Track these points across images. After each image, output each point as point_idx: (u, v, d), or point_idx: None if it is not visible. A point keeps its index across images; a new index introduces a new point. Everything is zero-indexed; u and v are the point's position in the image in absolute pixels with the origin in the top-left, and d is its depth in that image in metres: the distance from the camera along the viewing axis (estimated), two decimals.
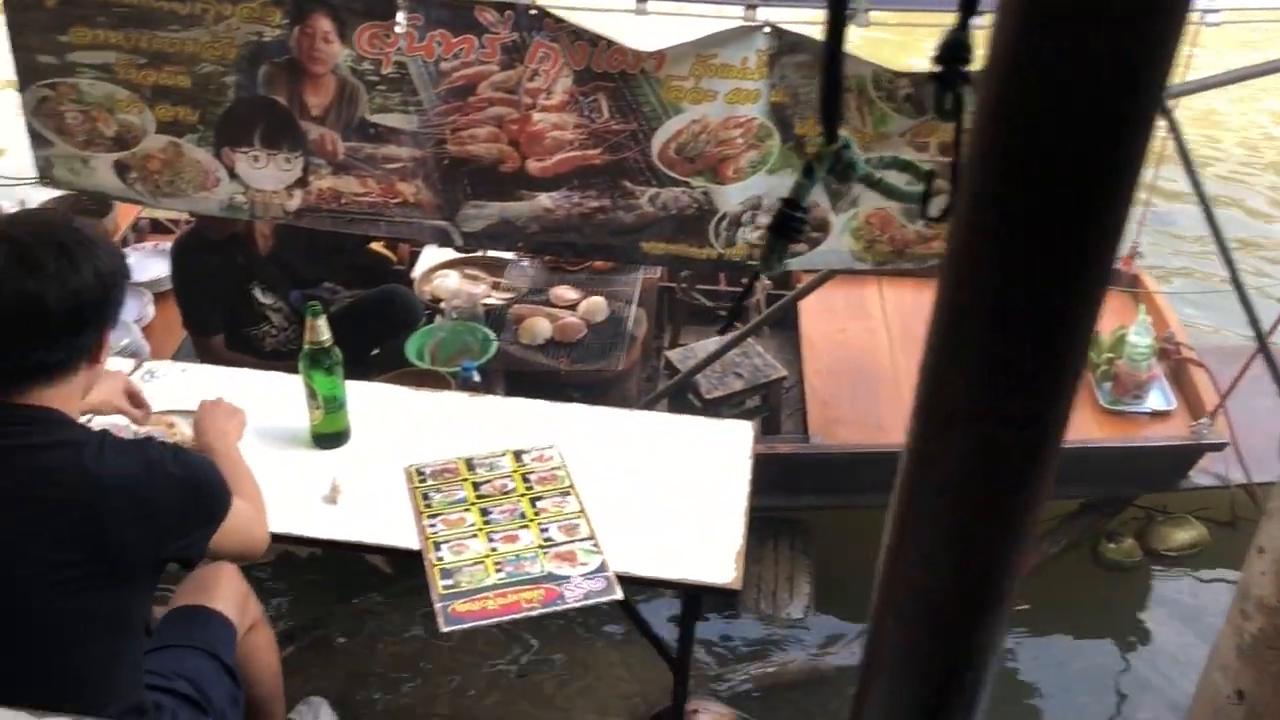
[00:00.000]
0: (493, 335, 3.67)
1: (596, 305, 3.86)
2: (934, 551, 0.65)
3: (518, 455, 2.50)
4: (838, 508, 3.65)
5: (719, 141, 2.84)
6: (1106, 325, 4.05)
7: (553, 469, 2.46)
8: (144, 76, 2.89)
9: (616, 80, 2.80)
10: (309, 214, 3.04)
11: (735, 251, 3.00)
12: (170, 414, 2.47)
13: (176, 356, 3.61)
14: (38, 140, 3.02)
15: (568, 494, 2.38)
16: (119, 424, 2.29)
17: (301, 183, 3.00)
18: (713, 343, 3.90)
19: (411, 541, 2.25)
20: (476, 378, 3.27)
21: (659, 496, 2.39)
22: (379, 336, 3.90)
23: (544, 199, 2.95)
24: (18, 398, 1.68)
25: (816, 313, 4.13)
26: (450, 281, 4.06)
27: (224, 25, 2.81)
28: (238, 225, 3.25)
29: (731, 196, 2.92)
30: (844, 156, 1.08)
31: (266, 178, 3.00)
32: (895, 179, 1.26)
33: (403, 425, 2.59)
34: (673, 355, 3.91)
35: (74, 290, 1.62)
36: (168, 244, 4.31)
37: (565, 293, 3.95)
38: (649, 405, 3.67)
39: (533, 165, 2.91)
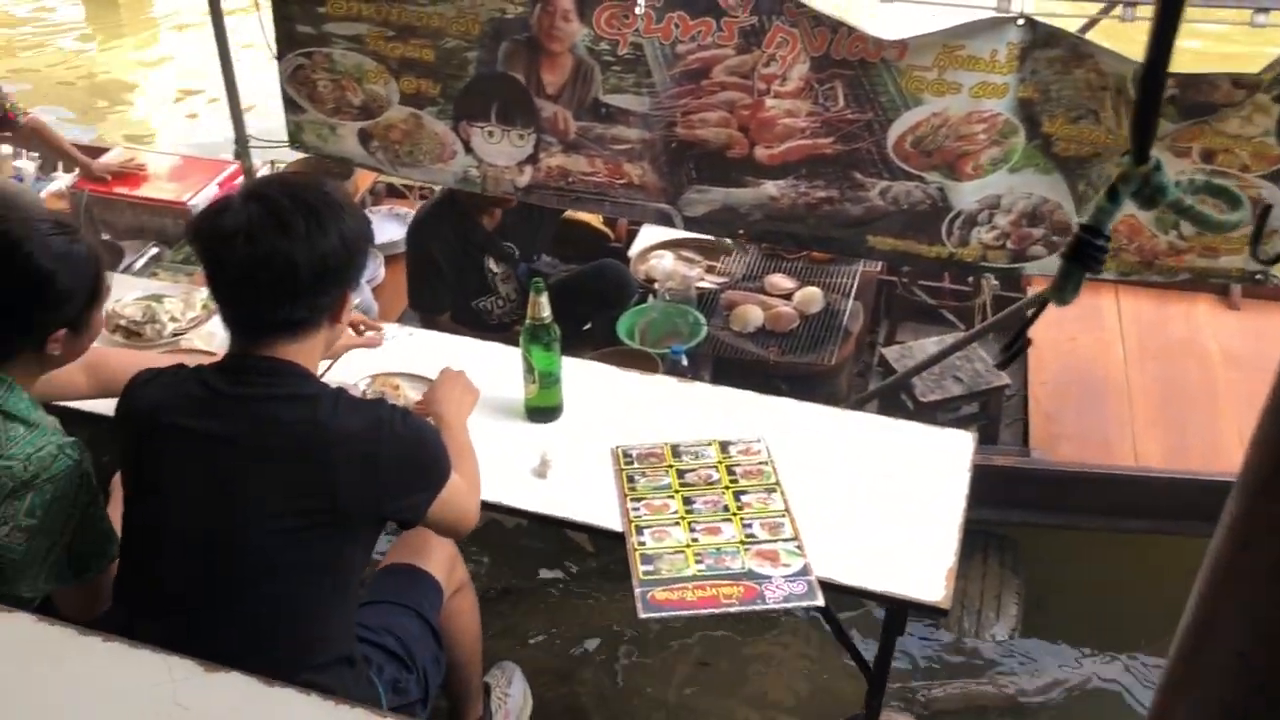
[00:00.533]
0: (703, 319, 3.65)
1: (812, 296, 3.77)
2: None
3: (724, 446, 2.46)
4: (1054, 527, 3.45)
5: (959, 136, 2.71)
6: None
7: (759, 463, 2.41)
8: (391, 49, 2.98)
9: (855, 68, 2.71)
10: (537, 190, 3.08)
11: (968, 252, 2.86)
12: (396, 376, 2.56)
13: (403, 319, 3.74)
14: (290, 106, 3.17)
15: (773, 490, 2.33)
16: (349, 383, 2.38)
17: (532, 159, 3.04)
18: (932, 343, 3.76)
19: (614, 523, 2.25)
20: (684, 361, 3.25)
21: (868, 502, 2.31)
22: (591, 310, 3.93)
23: (770, 186, 2.89)
24: (263, 350, 1.75)
25: (1045, 319, 3.85)
26: (665, 262, 4.05)
27: (469, 1, 2.86)
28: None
29: (968, 194, 2.78)
30: (1153, 180, 0.97)
31: (500, 153, 3.05)
32: (1207, 206, 1.13)
33: (612, 405, 2.60)
34: (889, 353, 3.79)
35: (321, 252, 1.68)
36: (402, 208, 4.50)
37: (781, 281, 3.88)
38: (860, 403, 3.56)
39: (761, 152, 2.85)
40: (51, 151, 4.45)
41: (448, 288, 3.43)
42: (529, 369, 2.48)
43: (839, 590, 2.13)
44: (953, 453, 2.45)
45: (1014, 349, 3.33)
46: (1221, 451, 3.32)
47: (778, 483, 2.35)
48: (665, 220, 3.05)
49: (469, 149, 3.07)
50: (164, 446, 1.77)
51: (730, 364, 3.63)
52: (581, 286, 3.81)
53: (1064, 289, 1.09)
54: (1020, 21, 2.55)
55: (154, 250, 4.19)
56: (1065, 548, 3.55)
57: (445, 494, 1.87)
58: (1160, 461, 3.37)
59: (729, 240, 4.04)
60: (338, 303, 1.79)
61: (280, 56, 3.09)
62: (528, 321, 2.42)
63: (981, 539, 3.53)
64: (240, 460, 1.73)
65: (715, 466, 2.40)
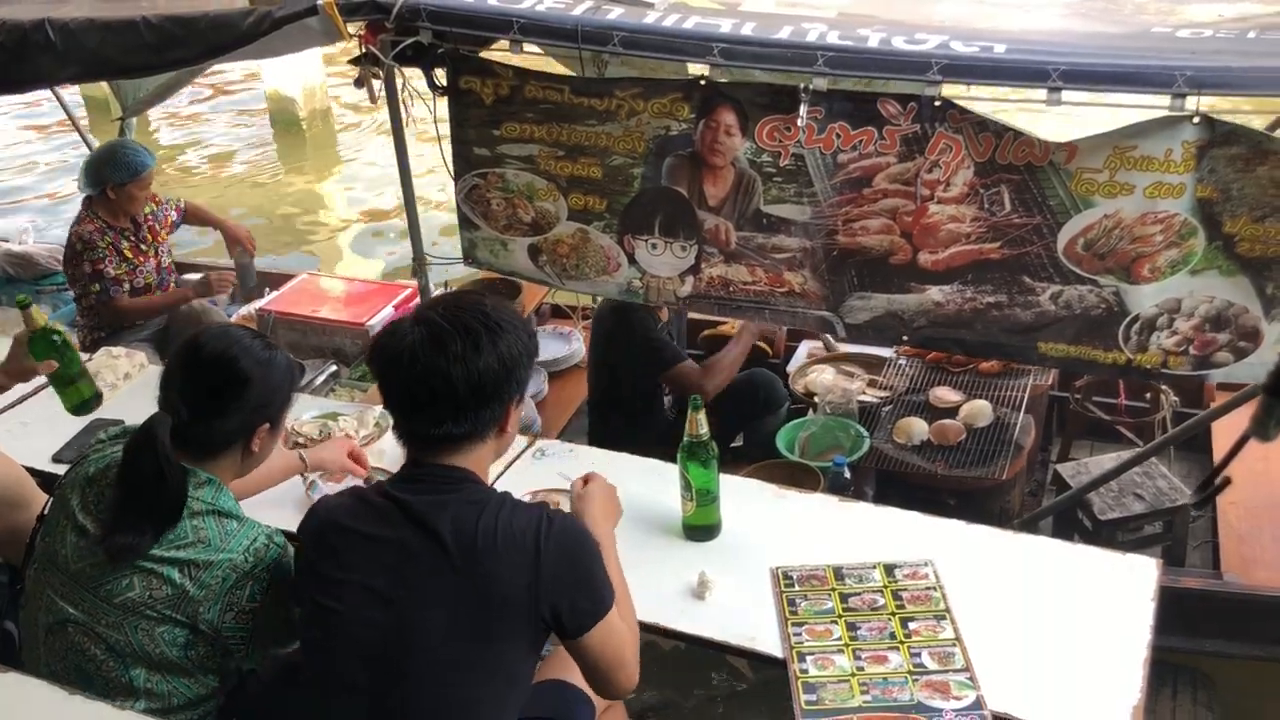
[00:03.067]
0: (865, 433, 3.58)
1: (980, 409, 3.67)
2: None
3: (889, 570, 2.38)
4: (1252, 659, 3.19)
5: (1134, 238, 2.64)
6: None
7: (927, 588, 2.32)
8: (561, 167, 3.11)
9: (1022, 172, 2.68)
10: (698, 300, 3.13)
11: (1147, 358, 2.75)
12: (556, 492, 2.58)
13: (563, 435, 3.81)
14: (465, 223, 3.32)
15: (943, 618, 2.23)
16: None
17: (694, 270, 3.10)
18: (1109, 459, 3.60)
19: (775, 648, 2.18)
20: (847, 474, 3.19)
21: (1045, 631, 2.18)
22: (742, 420, 3.93)
23: (934, 292, 2.85)
24: (435, 458, 1.86)
25: (1232, 435, 3.69)
26: (825, 377, 4.02)
27: (635, 120, 2.97)
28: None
29: (1146, 298, 2.69)
30: None
31: (663, 264, 3.12)
32: None
33: (771, 523, 2.56)
34: (1064, 469, 3.64)
35: (476, 370, 1.77)
36: (565, 328, 4.62)
37: (946, 394, 3.79)
38: (1033, 521, 3.42)
39: (925, 258, 2.83)
40: (211, 225, 4.82)
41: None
42: (686, 486, 2.46)
43: None
44: (1135, 581, 2.31)
45: (1213, 487, 3.18)
46: None
47: (947, 609, 2.25)
48: (826, 327, 3.04)
49: (633, 261, 3.14)
50: (341, 551, 1.85)
51: (894, 477, 3.55)
52: (731, 395, 3.81)
53: (1267, 424, 1.02)
54: (1196, 120, 2.49)
55: (332, 368, 4.39)
56: (1264, 682, 3.27)
57: (609, 621, 1.86)
58: None
59: (891, 354, 4.00)
60: (502, 416, 1.87)
61: (457, 177, 3.25)
62: (686, 438, 2.41)
63: (1170, 672, 3.28)
64: (410, 561, 1.79)
65: (880, 591, 2.32)
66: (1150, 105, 2.52)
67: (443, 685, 1.78)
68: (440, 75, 3.15)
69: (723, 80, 2.86)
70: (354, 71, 3.16)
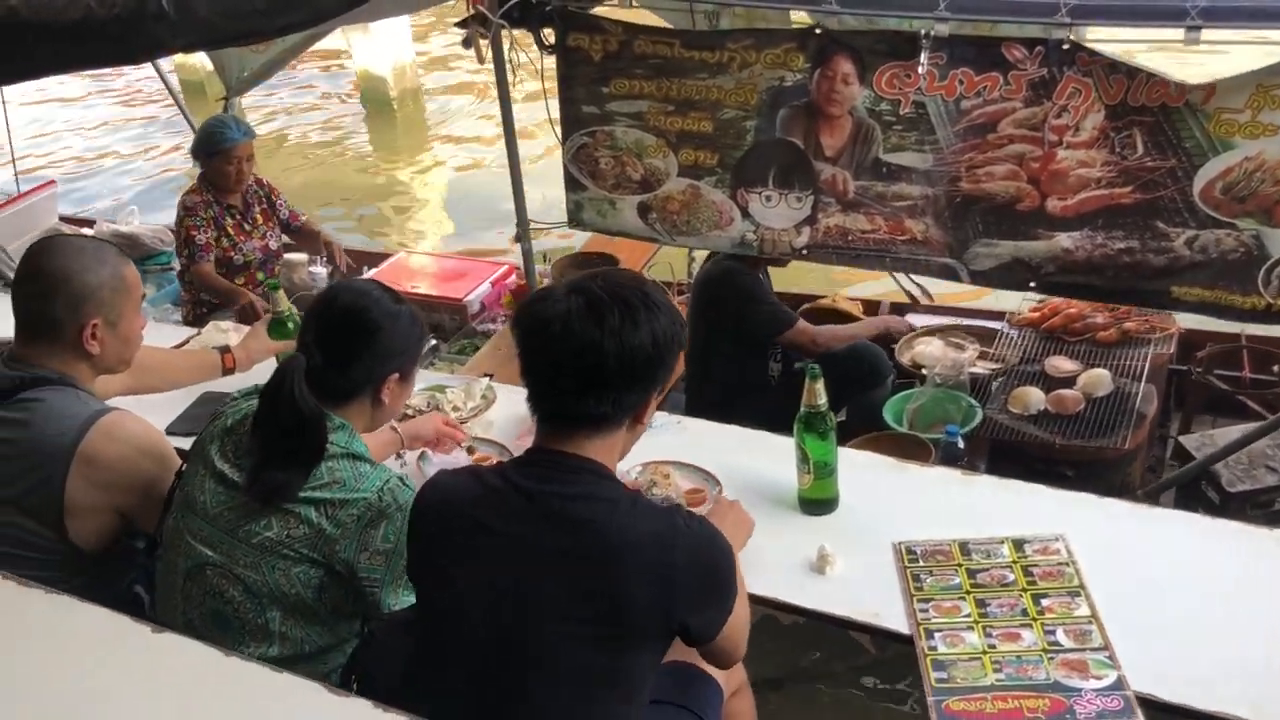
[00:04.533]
0: (977, 404, 3.48)
1: (1099, 378, 3.54)
2: None
3: (1018, 545, 2.28)
4: None
5: (1276, 180, 2.53)
6: None
7: (1059, 564, 2.21)
8: (671, 123, 3.08)
9: (1155, 114, 2.59)
10: (815, 250, 3.08)
11: None
12: (666, 464, 2.52)
13: (668, 407, 3.77)
14: (572, 184, 3.31)
15: (1077, 594, 2.13)
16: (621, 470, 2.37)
17: (810, 220, 3.05)
18: (1235, 431, 3.45)
19: (900, 624, 2.09)
20: (961, 444, 3.10)
21: (1184, 609, 2.05)
22: (847, 393, 3.85)
23: (1063, 239, 2.77)
24: (565, 445, 1.72)
25: None
26: (933, 349, 3.92)
27: (748, 72, 2.93)
28: None
29: None
30: None
31: (777, 216, 3.07)
32: None
33: (888, 497, 2.45)
34: (1187, 441, 3.50)
35: (630, 347, 1.65)
36: None
37: (1063, 364, 3.67)
38: (1156, 492, 3.30)
39: (1053, 204, 2.75)
40: (322, 247, 4.87)
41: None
42: (804, 458, 2.37)
43: (1161, 709, 1.87)
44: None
45: None
46: None
47: (1081, 585, 2.14)
48: (950, 274, 2.97)
49: (746, 214, 3.10)
50: (460, 538, 1.75)
51: (1009, 448, 3.44)
52: (834, 368, 3.73)
53: None
54: None
55: (431, 342, 4.40)
56: None
57: (732, 618, 1.77)
58: None
59: (1003, 325, 3.90)
60: (642, 403, 1.75)
61: (565, 138, 3.24)
62: (803, 409, 2.33)
63: None
64: (531, 559, 1.68)
65: (1009, 567, 2.22)
66: None
67: (557, 692, 1.67)
68: (548, 34, 3.13)
69: (839, 29, 2.81)
70: (459, 34, 3.15)
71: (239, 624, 1.96)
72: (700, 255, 4.31)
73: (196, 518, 1.99)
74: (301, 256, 5.23)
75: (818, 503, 2.42)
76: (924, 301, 4.16)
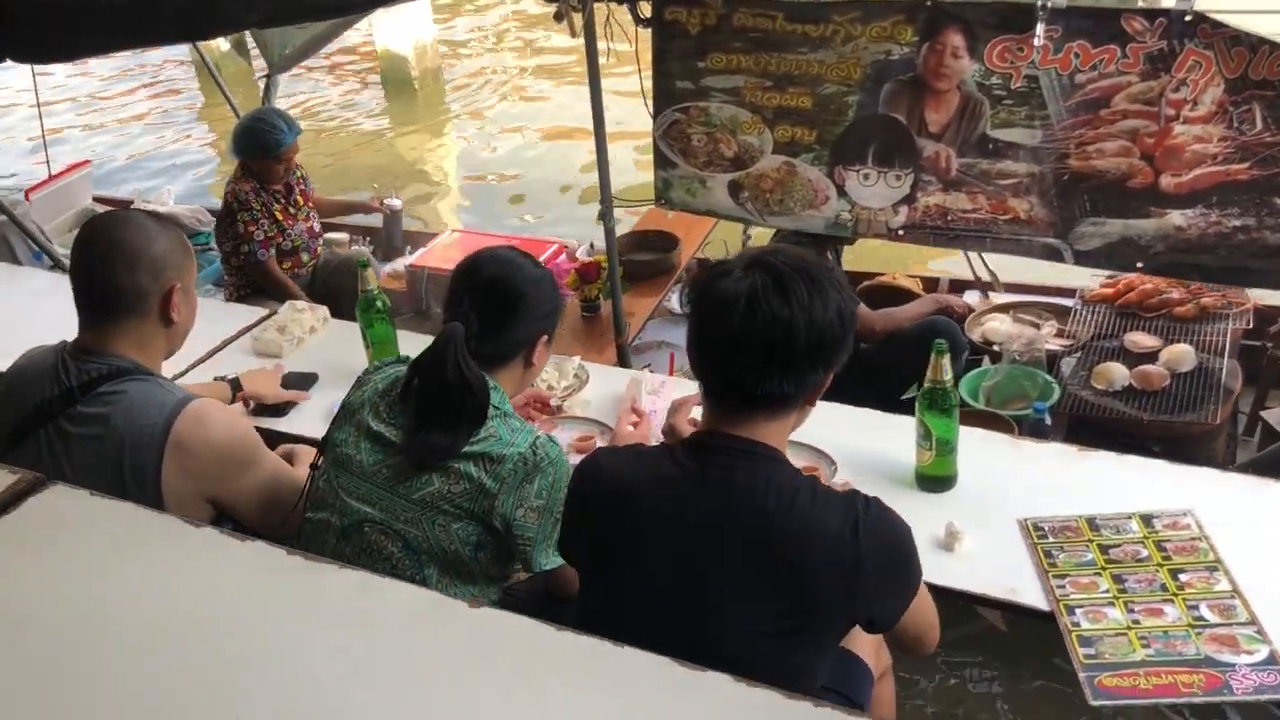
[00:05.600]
0: (1054, 381, 3.47)
1: (1182, 353, 3.53)
2: None
3: (1146, 520, 2.27)
4: None
5: None
6: None
7: (1191, 539, 2.20)
8: (768, 99, 3.04)
9: (1277, 88, 2.56)
10: (913, 230, 3.04)
11: None
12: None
13: None
14: (662, 162, 3.27)
15: (1214, 569, 2.11)
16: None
17: (909, 199, 3.01)
18: None
19: (1038, 600, 2.07)
20: (1048, 420, 3.09)
21: None
22: (921, 368, 3.83)
23: (1175, 216, 2.75)
24: (740, 429, 1.66)
25: None
26: (1004, 325, 3.91)
27: (851, 46, 2.89)
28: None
29: None
30: None
31: (874, 195, 3.04)
32: None
33: (1005, 473, 2.43)
34: (1270, 416, 3.50)
35: (819, 325, 1.60)
36: None
37: (1143, 339, 3.66)
38: (1244, 470, 3.29)
39: (1167, 180, 2.73)
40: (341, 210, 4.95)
41: None
42: (925, 435, 2.35)
43: None
44: None
45: None
46: None
47: (1218, 560, 2.13)
48: (1053, 255, 2.94)
49: (842, 193, 3.07)
50: (635, 524, 1.69)
51: (1090, 425, 3.43)
52: (911, 345, 3.71)
53: None
54: None
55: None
56: None
57: (917, 600, 1.72)
58: None
59: (1075, 302, 3.89)
60: (821, 383, 1.69)
61: (657, 114, 3.19)
62: (928, 384, 2.32)
63: None
64: (713, 549, 1.63)
65: (1141, 542, 2.21)
66: None
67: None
68: (645, 7, 3.08)
69: (950, 0, 2.77)
70: (480, 15, 3.09)
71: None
72: (758, 235, 4.29)
73: (353, 476, 2.01)
74: (343, 236, 5.22)
75: (938, 480, 2.41)
76: (992, 281, 4.15)
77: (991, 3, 2.76)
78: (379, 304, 2.91)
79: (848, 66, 2.92)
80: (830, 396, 2.62)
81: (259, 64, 7.59)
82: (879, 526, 1.63)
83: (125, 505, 1.11)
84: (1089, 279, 4.07)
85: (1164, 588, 2.08)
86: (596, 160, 3.35)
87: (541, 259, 4.59)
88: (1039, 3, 2.64)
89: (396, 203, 5.24)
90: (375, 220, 5.33)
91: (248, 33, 5.77)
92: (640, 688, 0.85)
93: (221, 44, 9.14)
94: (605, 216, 3.45)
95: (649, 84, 3.20)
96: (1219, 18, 2.57)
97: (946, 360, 2.31)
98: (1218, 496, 2.33)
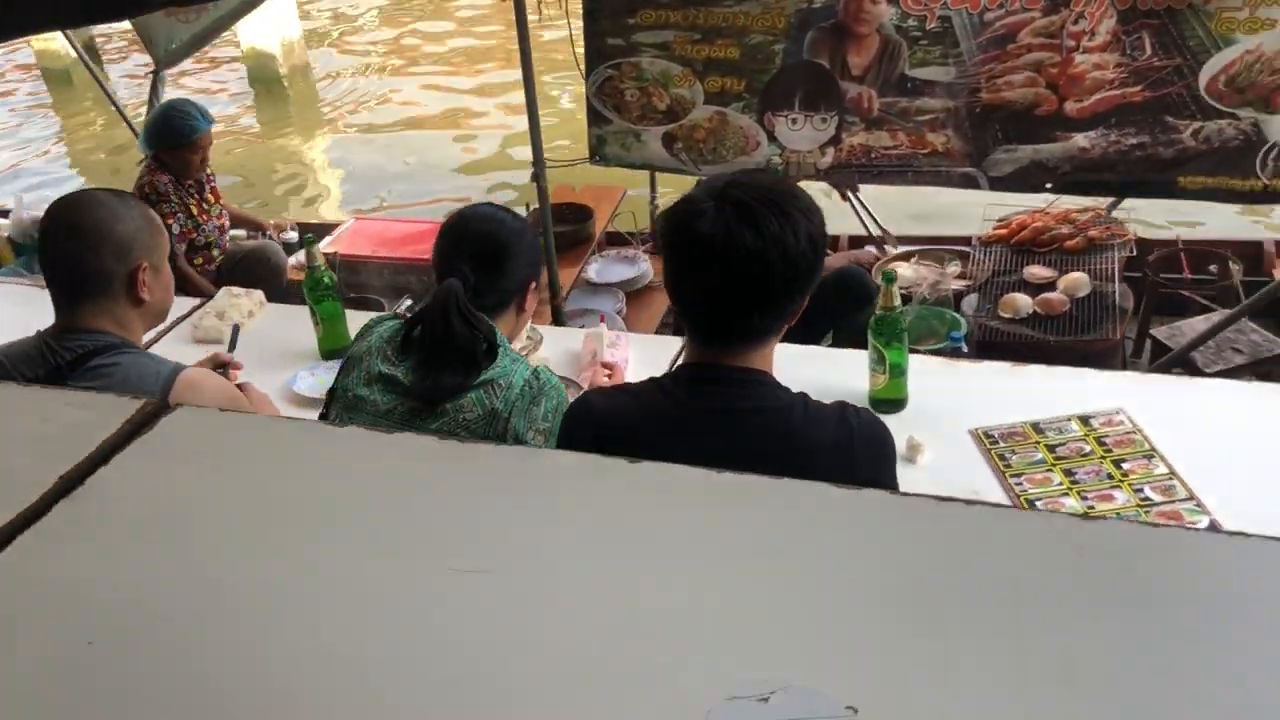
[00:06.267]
0: (960, 317, 3.72)
1: (1078, 280, 3.83)
2: None
3: (1084, 420, 2.49)
4: None
5: (1274, 70, 2.82)
6: None
7: (1126, 433, 2.43)
8: (697, 51, 3.20)
9: (1162, 17, 2.85)
10: (838, 170, 3.24)
11: None
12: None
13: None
14: (596, 118, 3.39)
15: (1151, 456, 2.34)
16: None
17: (834, 140, 3.21)
18: (1199, 321, 3.81)
19: (1000, 498, 2.25)
20: (964, 348, 3.32)
21: (1251, 460, 2.27)
22: (835, 317, 4.04)
23: (1079, 139, 3.01)
24: (725, 358, 1.68)
25: None
26: (909, 270, 4.15)
27: None
28: None
29: None
30: None
31: (802, 138, 3.23)
32: None
33: (949, 392, 2.59)
34: (1159, 333, 3.83)
35: (793, 256, 1.59)
36: (631, 251, 4.70)
37: (1040, 271, 3.95)
38: (1163, 370, 3.59)
39: (1071, 106, 2.99)
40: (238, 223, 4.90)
41: None
42: (879, 360, 2.49)
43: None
44: None
45: None
46: None
47: (1154, 449, 2.37)
48: (970, 183, 3.18)
49: (772, 138, 3.24)
50: (635, 456, 1.75)
51: (1001, 349, 3.69)
52: (824, 294, 3.90)
53: None
54: None
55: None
56: None
57: None
58: None
59: (972, 246, 4.16)
60: (799, 308, 1.70)
61: (588, 72, 3.31)
62: (879, 311, 2.48)
63: None
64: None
65: (1083, 439, 2.42)
66: None
67: None
68: None
69: None
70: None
71: None
72: (666, 202, 4.44)
73: (367, 416, 2.07)
74: (240, 232, 5.17)
75: (892, 402, 2.56)
76: (884, 235, 4.40)
77: None
78: (326, 280, 2.95)
79: (773, 17, 3.10)
80: None
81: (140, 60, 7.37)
82: (870, 432, 1.71)
83: (260, 417, 1.12)
84: (980, 224, 4.38)
85: (1110, 476, 2.30)
86: (529, 124, 3.43)
87: None
88: None
89: (292, 235, 5.16)
90: None
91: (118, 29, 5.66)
92: (808, 510, 0.91)
93: (70, 51, 8.83)
94: (538, 178, 3.54)
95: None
96: None
97: (895, 288, 2.47)
98: (1142, 394, 2.57)
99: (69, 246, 2.07)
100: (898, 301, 2.46)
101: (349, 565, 0.79)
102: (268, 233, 5.07)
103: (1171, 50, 2.88)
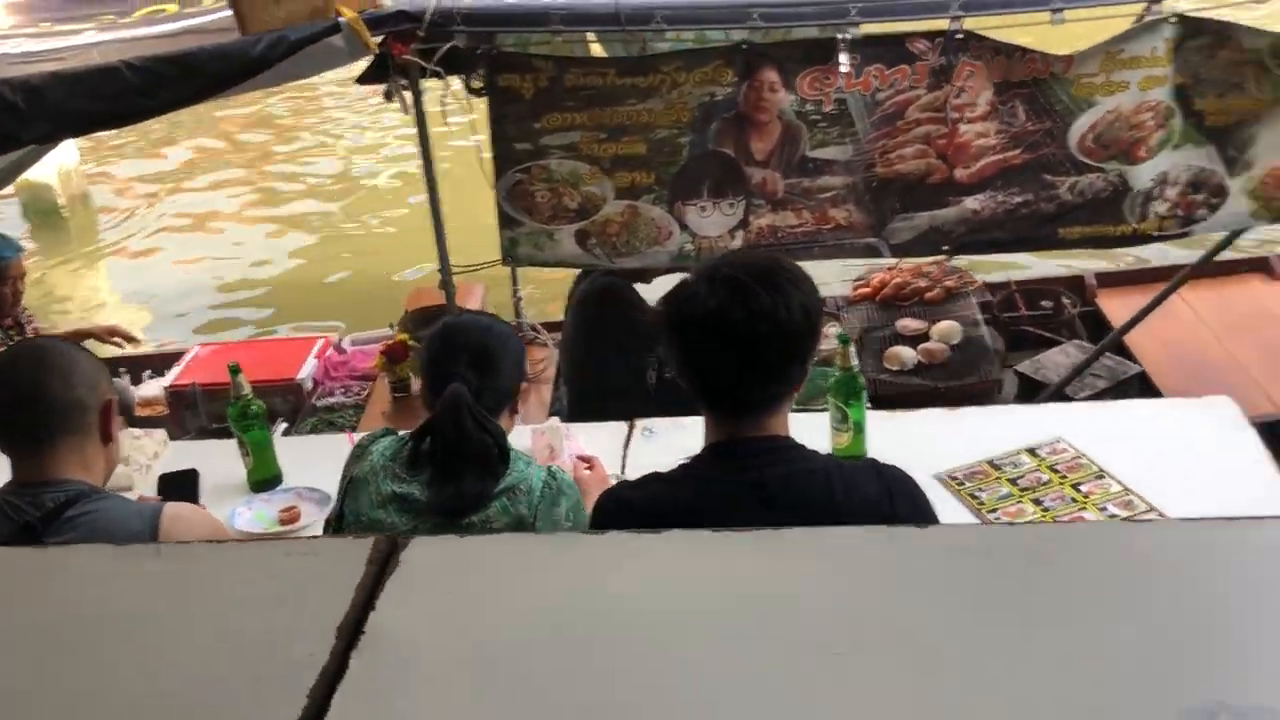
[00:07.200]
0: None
1: (951, 328, 4.13)
2: None
3: (1032, 451, 2.72)
4: None
5: (1131, 126, 3.17)
6: None
7: (1074, 458, 2.67)
8: (604, 149, 3.27)
9: (1030, 86, 3.16)
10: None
11: (1147, 225, 3.29)
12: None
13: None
14: (507, 222, 3.39)
15: (1102, 476, 2.58)
16: None
17: (743, 224, 3.35)
18: (1055, 353, 4.17)
19: None
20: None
21: (1180, 468, 2.57)
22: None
23: (970, 202, 3.27)
24: (749, 430, 1.74)
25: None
26: None
27: (678, 92, 3.20)
28: None
29: (1144, 175, 3.23)
30: None
31: (712, 224, 3.34)
32: None
33: (900, 442, 2.69)
34: (1024, 367, 4.16)
35: (787, 328, 1.66)
36: None
37: (911, 323, 4.24)
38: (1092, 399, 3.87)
39: (960, 173, 3.24)
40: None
41: None
42: (843, 419, 2.65)
43: None
44: (1221, 418, 2.78)
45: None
46: None
47: (1102, 469, 2.61)
48: (871, 252, 3.38)
49: (684, 227, 3.34)
50: None
51: (892, 401, 3.91)
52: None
53: None
54: (1173, 19, 3.05)
55: (283, 425, 4.24)
56: None
57: None
58: None
59: (836, 307, 4.41)
60: (805, 374, 1.77)
61: (499, 176, 3.32)
62: (840, 373, 2.63)
63: None
64: None
65: (1039, 469, 2.65)
66: (1132, 13, 3.06)
67: None
68: (470, 79, 3.22)
69: (762, 41, 3.14)
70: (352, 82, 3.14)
71: None
72: (528, 295, 4.48)
73: None
74: None
75: (857, 458, 2.71)
76: None
77: (797, 41, 3.17)
78: (255, 409, 2.86)
79: (676, 111, 3.21)
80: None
81: None
82: (902, 485, 1.81)
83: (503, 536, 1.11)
84: (839, 285, 4.66)
85: (1074, 500, 2.51)
86: (434, 230, 3.41)
87: (310, 355, 4.53)
88: (838, 36, 3.07)
89: (123, 381, 4.84)
90: None
91: None
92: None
93: None
94: (445, 285, 3.51)
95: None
96: (984, 33, 3.12)
97: (852, 349, 2.62)
98: (1071, 422, 2.82)
99: (40, 380, 1.95)
100: (855, 361, 2.59)
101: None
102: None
103: (1042, 115, 3.18)
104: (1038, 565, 0.87)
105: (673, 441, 2.62)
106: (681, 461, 1.81)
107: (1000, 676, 0.77)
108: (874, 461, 1.88)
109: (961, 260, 4.70)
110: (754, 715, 0.75)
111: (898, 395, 3.92)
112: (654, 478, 1.84)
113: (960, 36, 3.09)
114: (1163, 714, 0.71)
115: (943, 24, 3.06)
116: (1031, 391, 4.02)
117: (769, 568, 0.91)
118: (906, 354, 4.05)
